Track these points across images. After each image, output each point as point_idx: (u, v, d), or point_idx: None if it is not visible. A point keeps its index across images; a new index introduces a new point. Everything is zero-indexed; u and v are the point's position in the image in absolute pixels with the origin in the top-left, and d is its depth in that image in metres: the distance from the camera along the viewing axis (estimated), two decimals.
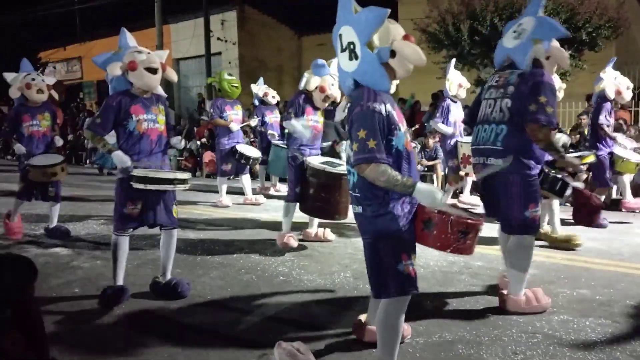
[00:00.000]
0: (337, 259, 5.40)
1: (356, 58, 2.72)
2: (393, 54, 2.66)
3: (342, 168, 5.46)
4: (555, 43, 3.90)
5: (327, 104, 5.85)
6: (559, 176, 4.08)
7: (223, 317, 3.89)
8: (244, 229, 6.85)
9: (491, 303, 4.09)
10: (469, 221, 2.74)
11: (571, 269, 5.03)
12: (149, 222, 4.28)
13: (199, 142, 14.10)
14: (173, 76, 4.49)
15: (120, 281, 4.26)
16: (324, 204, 5.51)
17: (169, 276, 4.42)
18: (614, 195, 9.03)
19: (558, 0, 10.23)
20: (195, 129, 15.32)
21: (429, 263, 5.10)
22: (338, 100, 5.75)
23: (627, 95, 6.87)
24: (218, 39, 18.92)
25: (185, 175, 4.28)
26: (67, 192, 6.45)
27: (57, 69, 24.73)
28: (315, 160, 5.64)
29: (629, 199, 7.50)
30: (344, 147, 4.57)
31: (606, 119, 6.78)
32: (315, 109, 5.81)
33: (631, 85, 6.92)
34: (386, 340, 2.84)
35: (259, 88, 9.56)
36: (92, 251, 5.69)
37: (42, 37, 23.55)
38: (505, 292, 3.95)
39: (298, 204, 5.78)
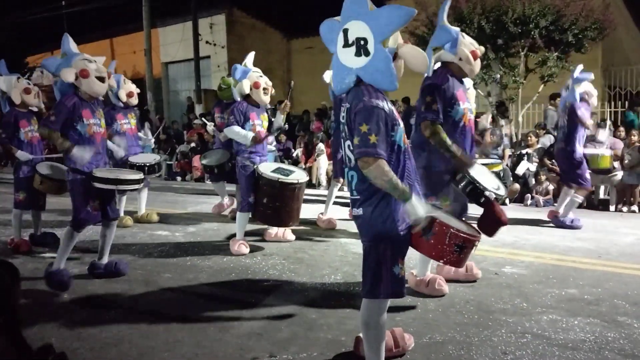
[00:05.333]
0: (327, 262, 5.40)
1: (366, 54, 2.67)
2: (395, 56, 2.69)
3: (294, 175, 5.65)
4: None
5: (269, 97, 5.89)
6: (471, 180, 4.02)
7: (213, 320, 3.87)
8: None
9: (481, 304, 4.12)
10: (467, 236, 2.75)
11: (560, 269, 5.07)
12: (106, 217, 4.80)
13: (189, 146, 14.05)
14: (113, 83, 5.07)
15: (62, 266, 4.69)
16: (278, 213, 5.60)
17: (106, 259, 4.95)
18: (601, 196, 9.13)
19: (544, 3, 10.32)
20: (185, 133, 15.28)
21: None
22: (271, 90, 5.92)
23: (594, 103, 7.08)
24: (207, 42, 18.90)
25: (139, 176, 4.86)
26: (54, 197, 6.35)
27: (44, 73, 24.50)
28: (267, 168, 5.69)
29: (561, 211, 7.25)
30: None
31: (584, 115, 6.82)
32: (259, 114, 5.85)
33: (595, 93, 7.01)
34: (371, 339, 2.86)
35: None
36: (81, 257, 5.64)
37: (30, 41, 23.37)
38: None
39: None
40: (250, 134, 5.66)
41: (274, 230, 6.27)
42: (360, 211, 2.78)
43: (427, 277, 4.38)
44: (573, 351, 3.29)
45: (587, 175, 7.02)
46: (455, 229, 2.72)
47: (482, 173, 4.23)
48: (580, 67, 6.93)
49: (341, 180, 6.87)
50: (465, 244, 2.75)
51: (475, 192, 3.97)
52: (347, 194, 2.90)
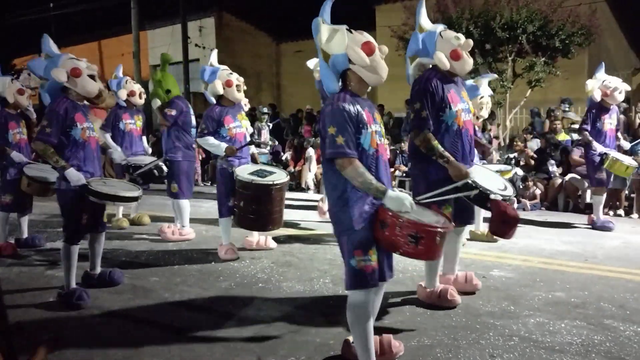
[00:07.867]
0: (316, 265, 5.40)
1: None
2: (352, 61, 2.87)
3: (272, 177, 5.32)
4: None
5: (242, 93, 5.72)
6: (474, 186, 3.79)
7: (201, 325, 3.86)
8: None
9: (468, 307, 4.13)
10: (421, 226, 2.70)
11: (546, 272, 5.10)
12: (96, 230, 4.60)
13: None
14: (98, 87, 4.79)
15: (74, 284, 4.40)
16: (256, 217, 5.31)
17: (99, 269, 4.77)
18: (587, 200, 9.18)
19: (532, 8, 10.43)
20: None
21: (408, 268, 5.12)
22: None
23: (619, 97, 6.95)
24: (196, 45, 18.82)
25: (137, 193, 4.64)
26: (40, 200, 6.30)
27: (32, 75, 24.33)
28: (245, 170, 5.42)
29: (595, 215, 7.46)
30: None
31: (586, 123, 7.14)
32: (235, 115, 5.68)
33: (621, 87, 6.93)
34: (357, 331, 2.92)
35: None
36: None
37: (17, 43, 23.18)
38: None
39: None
40: (223, 145, 5.48)
41: (254, 239, 6.04)
42: (327, 206, 3.01)
43: (437, 289, 4.15)
44: (560, 354, 3.31)
45: (599, 175, 7.14)
46: (405, 218, 2.69)
47: (485, 175, 4.03)
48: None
49: None
50: (420, 234, 2.68)
51: (481, 197, 3.78)
52: None
